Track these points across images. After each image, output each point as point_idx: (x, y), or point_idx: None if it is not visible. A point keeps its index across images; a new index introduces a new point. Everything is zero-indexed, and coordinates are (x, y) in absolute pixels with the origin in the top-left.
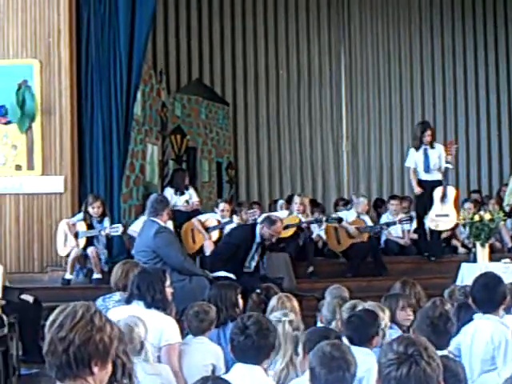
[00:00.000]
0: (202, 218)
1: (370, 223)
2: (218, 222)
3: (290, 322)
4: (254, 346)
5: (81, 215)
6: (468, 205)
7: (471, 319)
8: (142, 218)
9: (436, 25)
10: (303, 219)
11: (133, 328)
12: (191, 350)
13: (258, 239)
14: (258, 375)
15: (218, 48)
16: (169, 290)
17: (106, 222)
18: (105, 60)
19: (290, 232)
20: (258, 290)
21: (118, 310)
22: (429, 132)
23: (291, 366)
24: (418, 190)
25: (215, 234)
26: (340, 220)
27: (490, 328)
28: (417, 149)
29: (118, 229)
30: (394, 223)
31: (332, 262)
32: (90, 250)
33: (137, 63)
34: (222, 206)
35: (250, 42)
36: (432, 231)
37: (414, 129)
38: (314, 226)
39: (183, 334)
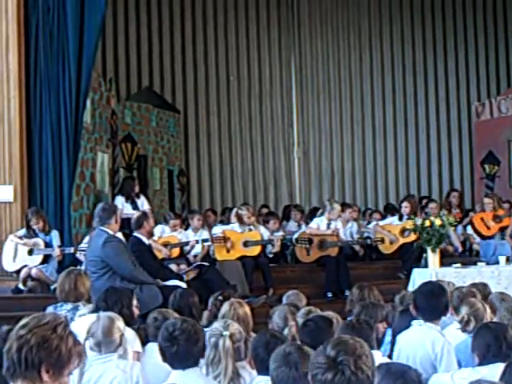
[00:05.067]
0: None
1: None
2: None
3: (231, 336)
4: (186, 353)
5: (23, 231)
6: (432, 204)
7: (409, 325)
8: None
9: (385, 32)
10: (265, 236)
11: (114, 320)
12: (148, 356)
13: None
14: (197, 376)
15: (167, 55)
16: (136, 311)
17: (54, 234)
18: (54, 68)
19: (255, 251)
20: (220, 297)
21: (85, 320)
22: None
23: (236, 379)
24: None
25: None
26: (310, 241)
27: (430, 337)
28: None
29: (70, 248)
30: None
31: (299, 268)
32: (34, 272)
33: (86, 71)
34: (172, 222)
35: (201, 50)
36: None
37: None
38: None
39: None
